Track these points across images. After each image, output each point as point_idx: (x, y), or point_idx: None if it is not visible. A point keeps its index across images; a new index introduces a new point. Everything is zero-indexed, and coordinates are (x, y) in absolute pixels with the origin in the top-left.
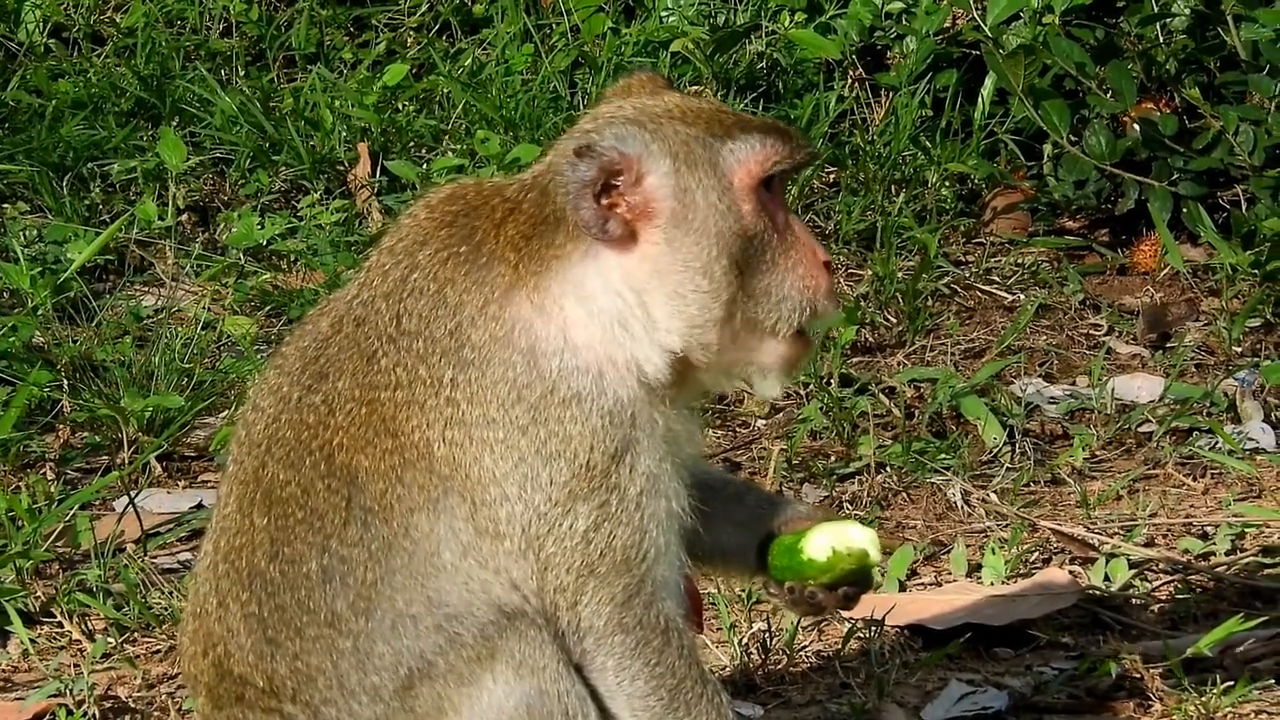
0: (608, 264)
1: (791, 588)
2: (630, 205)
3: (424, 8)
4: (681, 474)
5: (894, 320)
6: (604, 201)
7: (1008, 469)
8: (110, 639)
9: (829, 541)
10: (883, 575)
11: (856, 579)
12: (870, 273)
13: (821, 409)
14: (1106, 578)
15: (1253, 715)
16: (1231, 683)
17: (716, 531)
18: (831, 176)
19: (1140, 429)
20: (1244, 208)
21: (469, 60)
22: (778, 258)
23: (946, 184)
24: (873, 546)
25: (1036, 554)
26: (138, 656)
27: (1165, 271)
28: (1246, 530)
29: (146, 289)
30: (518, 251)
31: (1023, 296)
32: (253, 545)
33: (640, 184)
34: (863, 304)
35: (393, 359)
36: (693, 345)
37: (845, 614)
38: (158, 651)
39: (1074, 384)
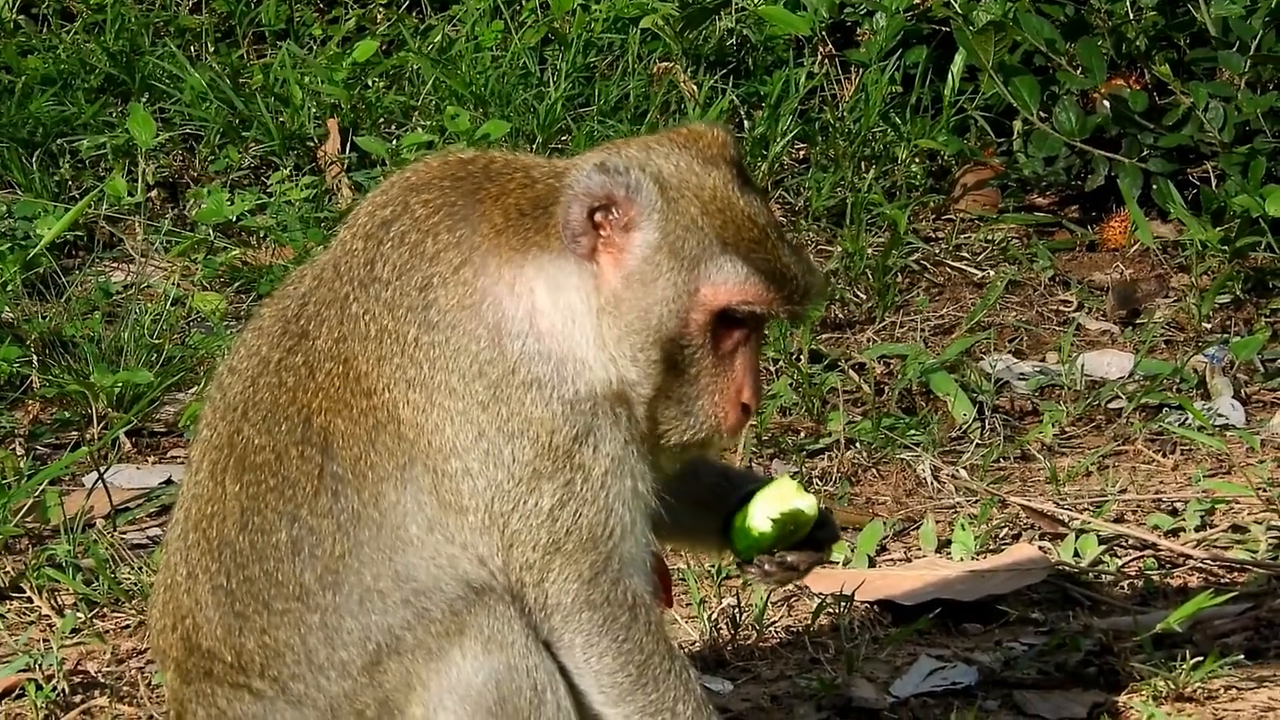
0: (585, 269)
1: (759, 562)
2: (608, 240)
3: None
4: (647, 457)
5: (864, 296)
6: (596, 219)
7: (977, 445)
8: (80, 614)
9: (766, 511)
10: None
11: (803, 533)
12: (840, 249)
13: (791, 385)
14: (1076, 553)
15: (1222, 691)
16: (1201, 658)
17: (677, 512)
18: (801, 153)
19: (1110, 405)
20: (1214, 184)
21: (439, 36)
22: (701, 377)
23: (916, 160)
24: (800, 499)
25: (1006, 530)
26: (107, 632)
27: (1135, 248)
28: (1216, 506)
29: (116, 265)
30: (507, 219)
31: (992, 273)
32: (224, 514)
33: (627, 231)
34: (832, 280)
35: (362, 305)
36: (627, 389)
37: (827, 559)
38: (127, 626)
39: (1044, 360)
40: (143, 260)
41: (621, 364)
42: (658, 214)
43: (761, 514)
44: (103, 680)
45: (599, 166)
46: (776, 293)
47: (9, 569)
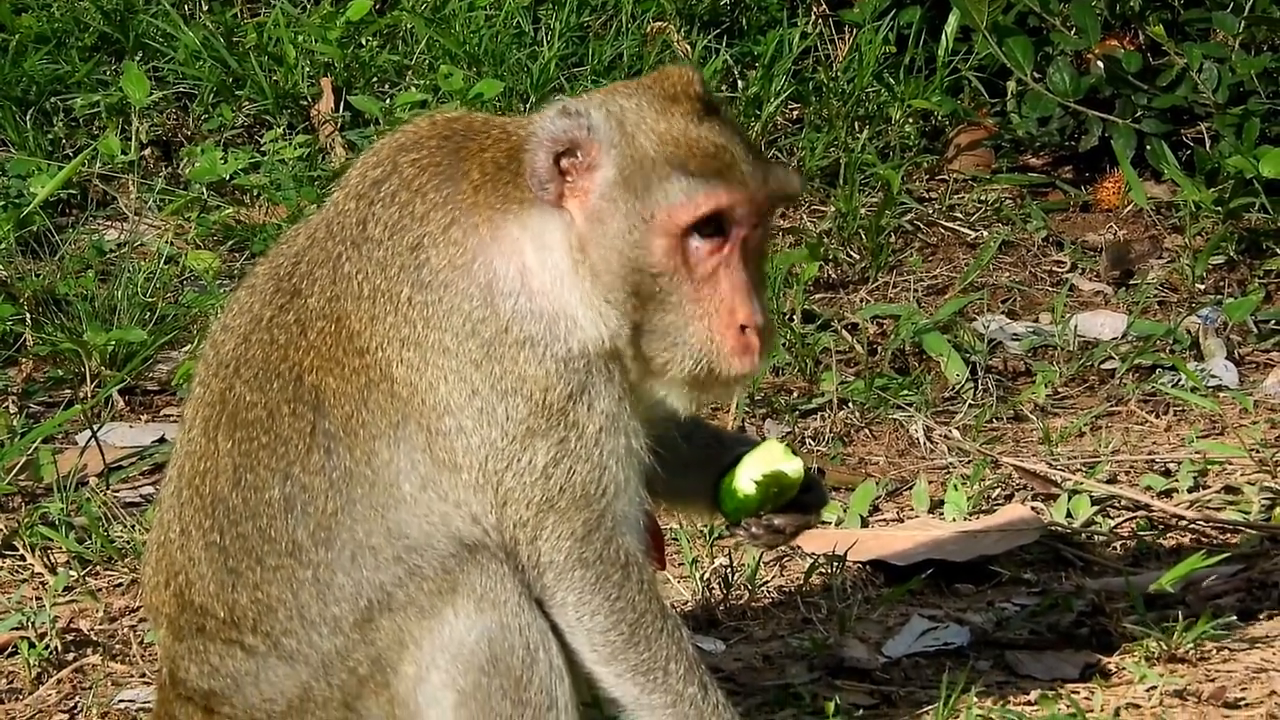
0: (563, 220)
1: (746, 524)
2: (574, 184)
3: None
4: (640, 414)
5: (857, 256)
6: (562, 165)
7: (970, 405)
8: (72, 572)
9: (750, 473)
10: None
11: (789, 496)
12: (833, 209)
13: (784, 345)
14: (1069, 514)
15: (1214, 652)
16: (1193, 619)
17: (668, 473)
18: (795, 113)
19: (1103, 366)
20: (1207, 145)
21: None
22: (685, 304)
23: (910, 121)
24: (786, 461)
25: (999, 490)
26: (100, 590)
27: (1128, 209)
28: (1209, 467)
29: (109, 223)
30: (484, 173)
31: (986, 233)
32: (216, 471)
33: (590, 173)
34: (825, 240)
35: (355, 265)
36: (618, 344)
37: (815, 523)
38: (120, 585)
39: (1037, 321)
40: (136, 218)
41: (605, 313)
42: (614, 150)
43: (746, 476)
44: (95, 638)
45: (560, 110)
46: (734, 197)
47: (2, 527)
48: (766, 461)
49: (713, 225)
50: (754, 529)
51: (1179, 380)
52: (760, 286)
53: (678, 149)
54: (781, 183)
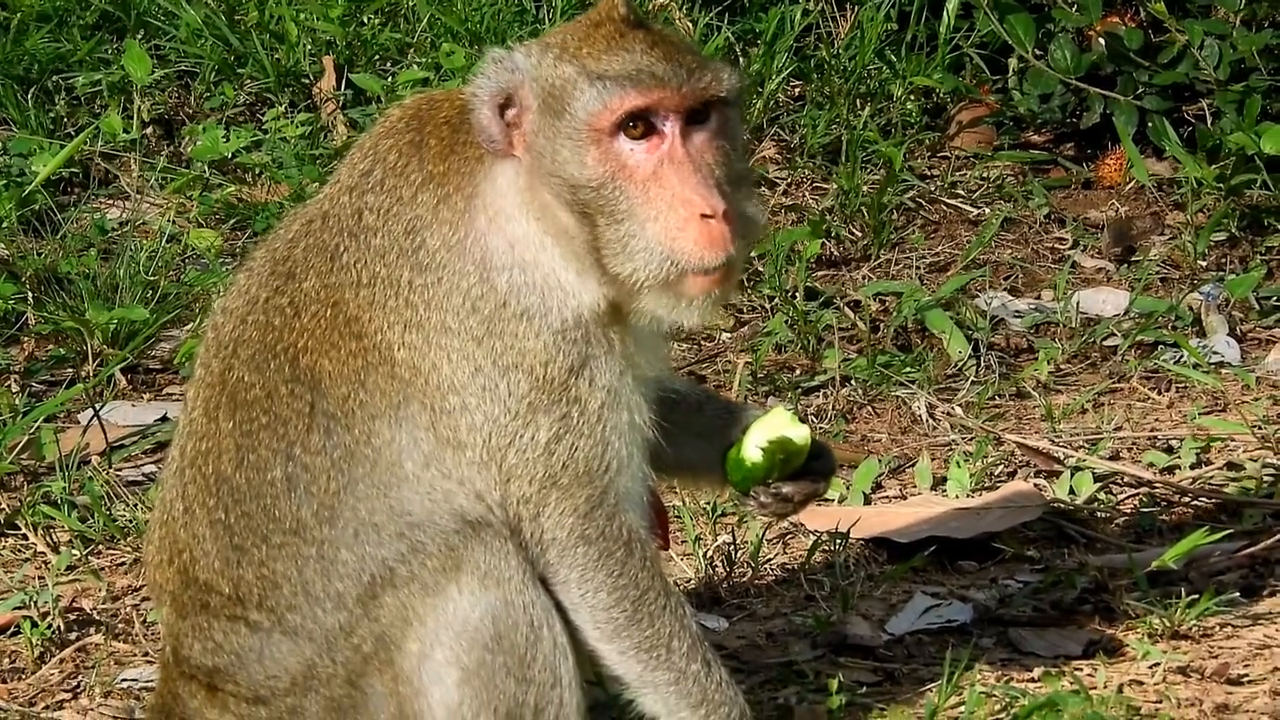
0: (516, 168)
1: (755, 493)
2: (519, 130)
3: None
4: (643, 388)
5: (859, 234)
6: (507, 115)
7: (973, 382)
8: (75, 551)
9: (755, 441)
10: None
11: (797, 464)
12: (835, 186)
13: (786, 322)
14: (1071, 491)
15: (1217, 628)
16: (1196, 596)
17: (678, 445)
18: (797, 90)
19: (1105, 343)
20: (1209, 122)
21: None
22: (636, 208)
23: (911, 98)
24: (792, 428)
25: (1001, 467)
26: (102, 569)
27: (1130, 185)
28: (1211, 443)
29: (111, 202)
30: (440, 140)
31: (987, 210)
32: (219, 450)
33: (527, 113)
34: (828, 218)
35: (353, 255)
36: (592, 281)
37: (824, 491)
38: (122, 564)
39: (1039, 298)
40: (138, 197)
41: (563, 240)
42: (536, 84)
43: (752, 444)
44: (98, 617)
45: (490, 61)
46: (651, 94)
47: (4, 506)
48: (772, 429)
49: (640, 126)
50: (762, 498)
51: (1181, 357)
52: (738, 183)
53: (595, 63)
54: (708, 76)
